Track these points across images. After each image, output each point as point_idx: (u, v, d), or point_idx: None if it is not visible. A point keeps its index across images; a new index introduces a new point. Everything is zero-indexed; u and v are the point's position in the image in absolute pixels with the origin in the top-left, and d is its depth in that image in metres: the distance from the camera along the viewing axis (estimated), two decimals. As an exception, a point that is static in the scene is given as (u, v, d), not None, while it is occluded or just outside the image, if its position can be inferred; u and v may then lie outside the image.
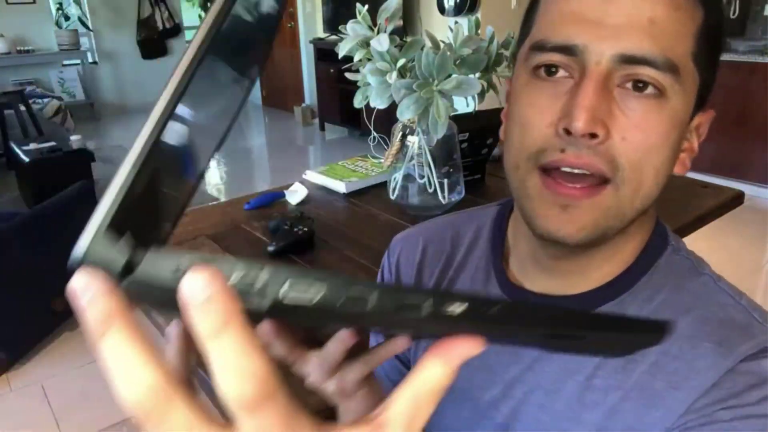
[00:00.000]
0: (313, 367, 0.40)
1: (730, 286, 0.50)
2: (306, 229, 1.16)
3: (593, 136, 0.41)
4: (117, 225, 0.20)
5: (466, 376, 0.57)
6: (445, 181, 1.27)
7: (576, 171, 0.43)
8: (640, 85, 0.42)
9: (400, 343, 0.40)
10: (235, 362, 0.19)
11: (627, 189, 0.43)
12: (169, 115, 0.21)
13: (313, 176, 1.56)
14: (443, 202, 1.27)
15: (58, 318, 2.36)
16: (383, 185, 1.46)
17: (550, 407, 0.51)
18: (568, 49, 0.42)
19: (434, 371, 0.22)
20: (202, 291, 0.18)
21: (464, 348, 0.22)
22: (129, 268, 0.19)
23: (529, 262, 0.54)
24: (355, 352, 0.40)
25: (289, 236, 1.14)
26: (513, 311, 0.21)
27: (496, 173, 1.50)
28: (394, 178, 1.30)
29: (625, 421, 0.47)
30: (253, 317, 0.19)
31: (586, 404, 0.49)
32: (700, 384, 0.44)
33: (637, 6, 0.41)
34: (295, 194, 1.42)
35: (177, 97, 0.22)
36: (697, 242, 0.57)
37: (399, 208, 1.33)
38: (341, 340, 0.38)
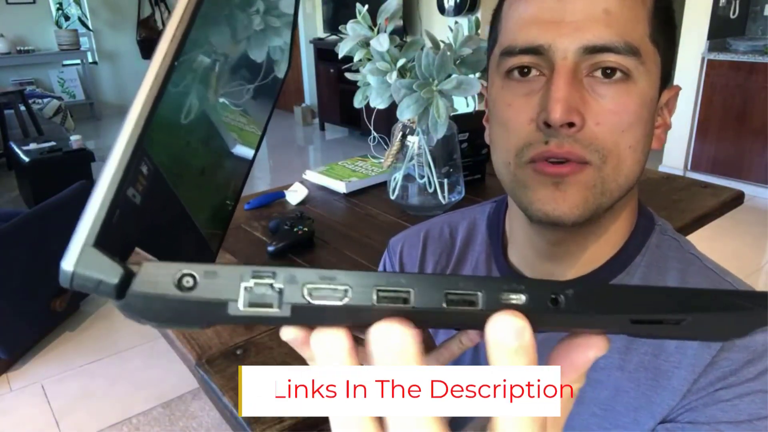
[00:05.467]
0: None
1: (715, 265, 0.53)
2: (306, 229, 1.16)
3: (571, 125, 0.44)
4: (107, 233, 0.18)
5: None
6: (445, 181, 1.27)
7: (560, 159, 0.46)
8: (608, 71, 0.45)
9: (473, 336, 0.40)
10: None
11: (608, 168, 0.46)
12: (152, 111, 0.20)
13: (313, 176, 1.56)
14: (443, 202, 1.27)
15: (58, 318, 2.36)
16: (383, 185, 1.46)
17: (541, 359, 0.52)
18: (535, 50, 0.45)
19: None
20: (515, 338, 0.19)
21: (592, 351, 0.21)
22: (125, 282, 0.18)
23: (528, 250, 0.56)
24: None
25: (289, 236, 1.14)
26: (588, 297, 0.19)
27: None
28: (394, 178, 1.30)
29: (631, 400, 0.49)
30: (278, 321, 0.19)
31: (588, 382, 0.50)
32: (698, 362, 0.46)
33: (591, 1, 0.44)
34: (295, 194, 1.42)
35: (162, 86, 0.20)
36: (697, 242, 0.58)
37: (399, 208, 1.33)
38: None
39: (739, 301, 0.20)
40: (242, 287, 0.18)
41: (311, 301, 0.18)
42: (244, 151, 0.30)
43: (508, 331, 0.19)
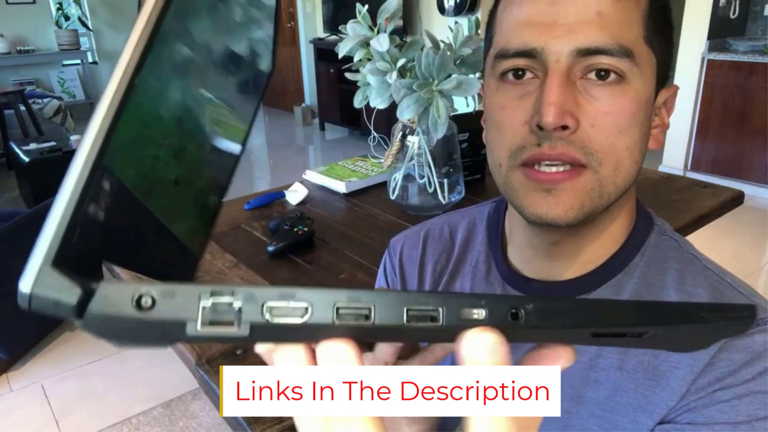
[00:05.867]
0: None
1: (714, 265, 0.53)
2: (306, 229, 1.16)
3: (564, 127, 0.44)
4: (66, 252, 0.17)
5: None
6: (445, 181, 1.27)
7: (554, 162, 0.46)
8: (602, 73, 0.45)
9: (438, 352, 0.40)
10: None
11: (605, 170, 0.46)
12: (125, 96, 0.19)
13: (313, 176, 1.56)
14: (443, 202, 1.27)
15: (58, 318, 2.36)
16: (383, 185, 1.46)
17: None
18: (528, 53, 0.45)
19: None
20: (490, 354, 0.19)
21: (559, 362, 0.21)
22: (84, 302, 0.17)
23: (527, 250, 0.56)
24: (407, 353, 0.40)
25: (289, 236, 1.14)
26: (549, 311, 0.19)
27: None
28: (394, 178, 1.30)
29: (630, 401, 0.49)
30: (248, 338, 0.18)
31: (588, 383, 0.50)
32: (696, 362, 0.46)
33: (584, 3, 0.44)
34: (295, 194, 1.42)
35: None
36: (697, 242, 0.58)
37: (399, 208, 1.33)
38: None
39: (701, 314, 0.20)
40: (200, 307, 0.18)
41: (270, 319, 0.18)
42: (229, 145, 0.30)
43: (481, 348, 0.19)
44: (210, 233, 0.28)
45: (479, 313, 0.19)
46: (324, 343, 0.20)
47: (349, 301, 0.19)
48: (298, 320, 0.18)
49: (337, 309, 0.18)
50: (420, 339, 0.20)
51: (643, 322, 0.20)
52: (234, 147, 0.30)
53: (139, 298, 0.18)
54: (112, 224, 0.19)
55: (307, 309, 0.18)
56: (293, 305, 0.18)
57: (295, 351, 0.21)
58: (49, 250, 0.17)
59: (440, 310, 0.19)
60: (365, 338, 0.20)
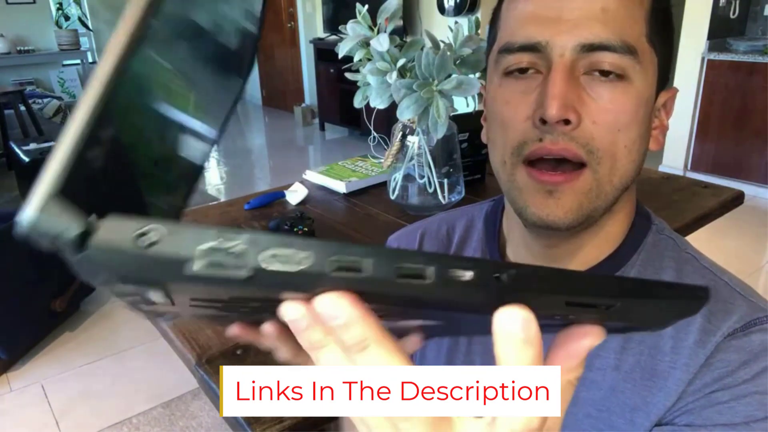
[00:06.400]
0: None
1: (712, 264, 0.53)
2: (306, 229, 1.16)
3: (567, 122, 0.44)
4: (70, 186, 0.18)
5: (463, 352, 0.57)
6: (445, 181, 1.27)
7: (555, 157, 0.46)
8: (605, 70, 0.45)
9: (412, 343, 0.39)
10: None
11: (603, 169, 0.46)
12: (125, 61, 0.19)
13: (313, 176, 1.56)
14: (443, 202, 1.27)
15: (58, 318, 2.36)
16: (383, 185, 1.46)
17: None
18: (533, 48, 0.46)
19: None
20: (522, 329, 0.20)
21: (588, 340, 0.23)
22: (84, 237, 0.17)
23: (524, 250, 0.56)
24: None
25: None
26: (529, 276, 0.20)
27: (496, 173, 1.50)
28: (394, 178, 1.30)
29: (627, 401, 0.48)
30: (234, 286, 0.18)
31: (584, 383, 0.50)
32: (692, 362, 0.46)
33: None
34: (295, 194, 1.42)
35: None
36: (697, 242, 0.58)
37: (399, 208, 1.33)
38: None
39: (667, 291, 0.22)
40: (203, 247, 0.18)
41: (268, 266, 0.18)
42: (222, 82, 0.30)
43: (515, 323, 0.20)
44: (191, 190, 0.29)
45: (466, 274, 0.19)
46: (320, 297, 0.20)
47: (344, 254, 0.19)
48: (294, 267, 0.18)
49: (333, 260, 0.19)
50: (410, 300, 0.20)
51: (612, 294, 0.21)
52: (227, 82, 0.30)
53: (144, 233, 0.17)
54: (106, 175, 0.20)
55: (303, 258, 0.18)
56: (292, 253, 0.18)
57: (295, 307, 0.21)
58: (55, 179, 0.17)
59: (430, 268, 0.19)
60: (359, 292, 0.20)
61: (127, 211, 0.20)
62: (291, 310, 0.21)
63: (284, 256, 0.18)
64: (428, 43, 1.03)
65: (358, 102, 1.11)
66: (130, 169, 0.22)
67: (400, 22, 4.33)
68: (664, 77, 0.50)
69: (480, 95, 1.08)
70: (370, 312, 0.21)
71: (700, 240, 0.58)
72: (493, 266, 0.20)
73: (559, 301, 0.21)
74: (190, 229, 0.18)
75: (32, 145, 3.49)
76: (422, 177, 1.26)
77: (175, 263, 0.18)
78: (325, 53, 5.17)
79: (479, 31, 1.14)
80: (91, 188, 0.19)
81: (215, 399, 0.76)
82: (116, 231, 0.17)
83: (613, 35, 0.44)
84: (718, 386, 0.45)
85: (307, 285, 0.19)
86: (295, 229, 1.15)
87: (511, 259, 0.59)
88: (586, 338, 0.23)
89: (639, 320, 0.23)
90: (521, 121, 0.46)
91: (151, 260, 0.18)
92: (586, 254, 0.53)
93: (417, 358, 0.63)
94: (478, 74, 1.07)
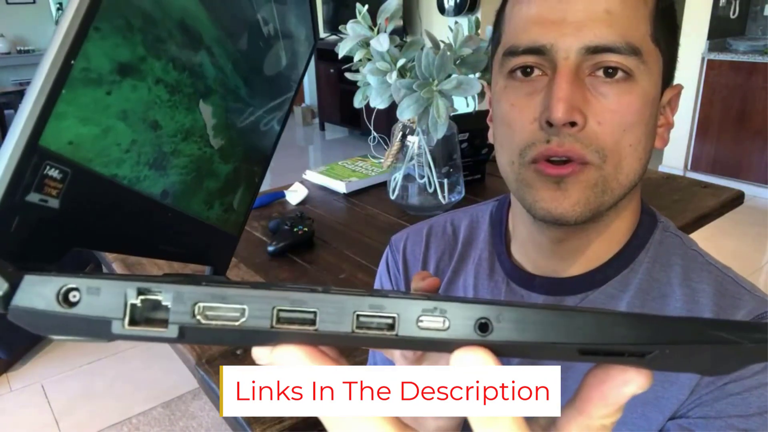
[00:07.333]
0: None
1: (716, 261, 0.53)
2: (306, 229, 1.16)
3: (573, 124, 0.44)
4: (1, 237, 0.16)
5: None
6: (445, 181, 1.27)
7: (561, 158, 0.46)
8: (610, 71, 0.45)
9: None
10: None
11: (608, 166, 0.46)
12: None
13: (313, 176, 1.56)
14: (443, 202, 1.27)
15: (58, 318, 2.36)
16: (383, 185, 1.46)
17: (563, 385, 0.52)
18: (537, 50, 0.46)
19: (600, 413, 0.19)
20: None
21: (629, 387, 0.18)
22: (9, 295, 0.16)
23: (531, 248, 0.56)
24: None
25: (289, 236, 1.14)
26: (525, 321, 0.16)
27: (495, 173, 1.50)
28: (394, 178, 1.30)
29: (640, 396, 0.48)
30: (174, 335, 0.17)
31: None
32: None
33: (592, 1, 0.44)
34: (295, 194, 1.42)
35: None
36: (697, 242, 0.58)
37: (399, 208, 1.33)
38: None
39: (722, 334, 0.16)
40: (127, 305, 0.17)
41: (202, 321, 0.17)
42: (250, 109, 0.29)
43: (471, 367, 0.18)
44: (247, 211, 0.27)
45: (440, 323, 0.17)
46: (277, 348, 0.19)
47: (291, 305, 0.17)
48: (233, 323, 0.17)
49: (277, 312, 0.17)
50: (373, 346, 0.18)
51: (644, 340, 0.16)
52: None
53: (66, 292, 0.16)
54: (78, 211, 0.18)
55: (242, 312, 0.17)
56: (227, 307, 0.17)
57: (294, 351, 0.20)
58: None
59: (395, 317, 0.17)
60: (313, 344, 0.18)
61: (128, 248, 0.19)
62: (255, 353, 0.20)
63: (219, 309, 0.16)
64: (428, 43, 1.03)
65: (358, 102, 1.11)
66: (118, 183, 0.20)
67: (400, 22, 4.33)
68: (670, 75, 0.50)
69: (481, 95, 1.08)
70: (326, 357, 0.19)
71: (700, 240, 0.58)
72: (476, 311, 0.17)
73: (568, 349, 0.17)
74: (111, 285, 0.16)
75: (32, 145, 3.50)
76: (422, 177, 1.26)
77: (100, 324, 0.17)
78: (325, 53, 5.17)
79: (479, 31, 1.14)
80: (54, 228, 0.17)
81: (215, 399, 0.76)
82: (35, 291, 0.16)
83: (618, 37, 0.44)
84: (731, 378, 0.45)
85: (253, 339, 0.17)
86: (295, 229, 1.15)
87: (517, 257, 0.59)
88: (628, 386, 0.18)
89: (690, 367, 0.18)
90: (528, 123, 0.47)
91: (75, 320, 0.16)
92: (594, 251, 0.53)
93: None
94: (478, 74, 1.07)
